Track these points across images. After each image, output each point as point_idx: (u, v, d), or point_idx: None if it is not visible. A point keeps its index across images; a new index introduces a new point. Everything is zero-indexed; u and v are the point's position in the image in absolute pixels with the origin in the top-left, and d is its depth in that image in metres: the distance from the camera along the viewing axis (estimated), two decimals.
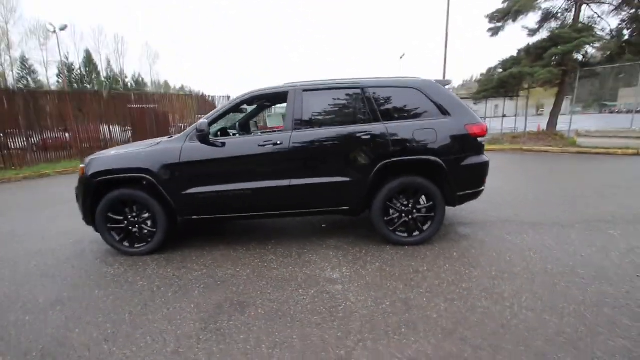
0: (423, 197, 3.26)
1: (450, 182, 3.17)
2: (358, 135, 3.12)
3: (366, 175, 3.14)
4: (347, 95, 3.26)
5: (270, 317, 2.19)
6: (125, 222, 3.31)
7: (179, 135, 3.33)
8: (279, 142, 3.13)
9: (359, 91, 3.23)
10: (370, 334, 1.97)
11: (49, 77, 46.31)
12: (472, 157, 3.21)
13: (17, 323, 2.28)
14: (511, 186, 5.79)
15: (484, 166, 3.27)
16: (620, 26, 14.39)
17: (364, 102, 3.21)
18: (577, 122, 13.62)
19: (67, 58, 48.12)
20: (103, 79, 51.70)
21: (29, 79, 44.99)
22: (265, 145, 3.13)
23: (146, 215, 3.32)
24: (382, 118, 3.17)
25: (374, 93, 3.22)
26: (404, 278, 2.64)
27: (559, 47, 11.63)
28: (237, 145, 3.21)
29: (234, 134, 3.98)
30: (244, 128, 4.37)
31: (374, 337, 1.95)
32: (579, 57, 13.83)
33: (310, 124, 3.23)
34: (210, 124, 3.23)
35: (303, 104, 3.22)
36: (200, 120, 3.09)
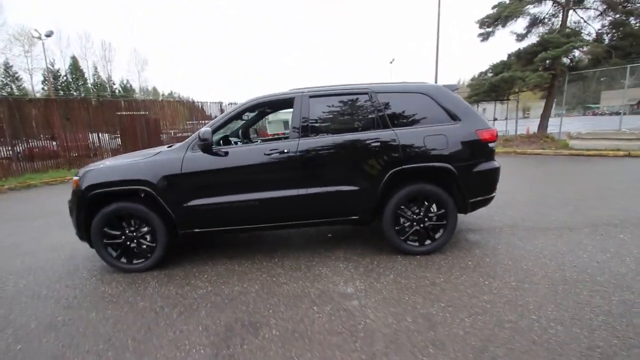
0: (434, 204, 3.17)
1: (462, 189, 3.09)
2: (367, 142, 3.02)
3: (376, 183, 3.04)
4: (355, 101, 3.17)
5: (286, 339, 2.05)
6: (123, 237, 3.13)
7: (179, 144, 3.17)
8: (285, 151, 3.00)
9: (366, 97, 3.14)
10: (396, 356, 1.85)
11: (34, 85, 45.24)
12: (483, 163, 3.14)
13: (8, 352, 2.08)
14: (511, 190, 5.77)
15: (495, 172, 3.20)
16: (600, 30, 14.81)
17: (372, 108, 3.12)
18: (564, 124, 13.84)
19: (52, 65, 47.09)
20: (90, 85, 50.75)
21: (13, 86, 43.83)
22: (272, 153, 3.01)
23: (145, 229, 3.14)
24: (392, 124, 3.08)
25: (383, 98, 3.13)
26: (422, 291, 2.53)
27: (549, 52, 11.83)
28: (242, 154, 3.07)
29: (235, 142, 3.85)
30: (246, 136, 4.23)
31: (402, 359, 1.83)
32: (567, 61, 14.15)
33: (318, 131, 3.12)
34: (214, 132, 3.09)
35: (310, 110, 3.11)
36: (203, 129, 2.95)
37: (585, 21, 15.11)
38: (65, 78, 49.65)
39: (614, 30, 14.39)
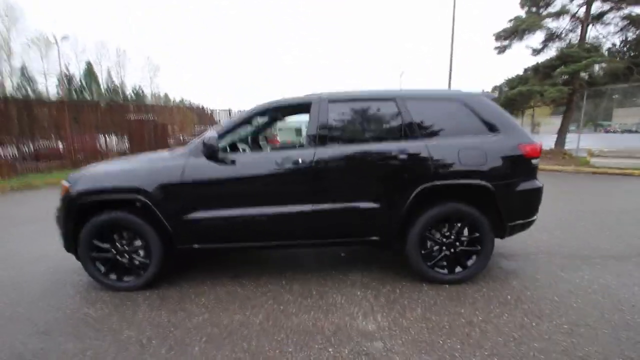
0: (467, 227, 2.77)
1: (501, 211, 2.69)
2: (394, 153, 2.66)
3: (402, 200, 2.66)
4: (380, 107, 2.82)
5: None
6: (113, 251, 2.78)
7: (181, 149, 2.85)
8: (300, 161, 2.65)
9: (393, 103, 2.79)
10: None
11: (49, 87, 46.16)
12: (526, 181, 2.75)
13: None
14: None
15: (539, 192, 2.81)
16: (620, 47, 14.40)
17: (400, 115, 2.77)
18: (574, 141, 13.29)
19: (67, 69, 48.10)
20: (103, 90, 51.62)
21: (28, 88, 44.74)
22: (284, 164, 2.66)
23: (138, 243, 2.80)
24: (422, 135, 2.72)
25: (412, 106, 2.77)
26: (458, 333, 2.12)
27: (569, 66, 11.45)
28: (251, 163, 2.73)
29: (243, 150, 3.52)
30: (255, 143, 3.90)
31: None
32: (585, 76, 13.74)
33: (337, 140, 2.77)
34: (220, 137, 2.76)
35: (328, 116, 2.77)
36: (209, 133, 2.62)
37: (604, 37, 14.76)
38: (79, 82, 50.65)
39: (635, 46, 14.00)
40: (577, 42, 14.60)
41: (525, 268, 3.11)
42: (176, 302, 2.62)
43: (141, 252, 2.81)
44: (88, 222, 2.71)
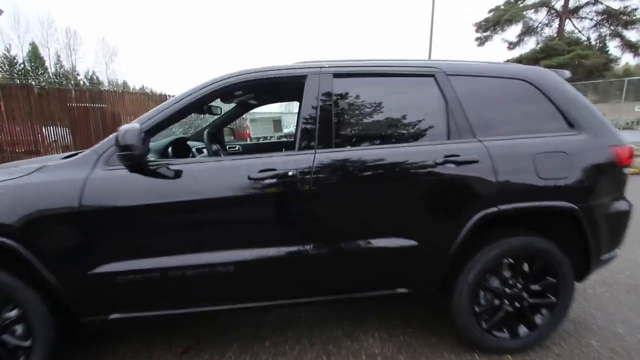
0: (539, 269, 1.87)
1: (589, 244, 1.82)
2: (437, 161, 1.68)
3: (450, 234, 1.70)
4: (412, 87, 1.82)
5: None
6: None
7: (81, 153, 1.69)
8: (290, 173, 1.60)
9: (432, 81, 1.80)
10: None
11: None
12: (617, 200, 1.89)
13: None
14: None
15: (629, 214, 1.96)
16: (591, 42, 14.54)
17: (444, 101, 1.78)
18: None
19: (8, 51, 42.81)
20: (51, 75, 46.63)
21: None
22: (264, 178, 1.59)
23: (12, 314, 1.63)
24: (479, 132, 1.76)
25: (461, 86, 1.80)
26: None
27: (553, 59, 11.15)
28: (207, 176, 1.63)
29: (197, 152, 2.38)
30: (215, 140, 2.73)
31: None
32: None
33: (348, 139, 1.74)
34: (151, 132, 1.64)
35: (335, 100, 1.73)
36: (127, 126, 1.48)
37: (579, 31, 14.82)
38: (22, 66, 45.29)
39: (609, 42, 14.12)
40: (552, 36, 14.56)
41: (614, 322, 2.26)
42: None
43: (18, 330, 1.65)
44: None
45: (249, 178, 1.58)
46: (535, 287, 1.88)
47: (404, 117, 1.80)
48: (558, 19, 15.06)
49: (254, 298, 1.74)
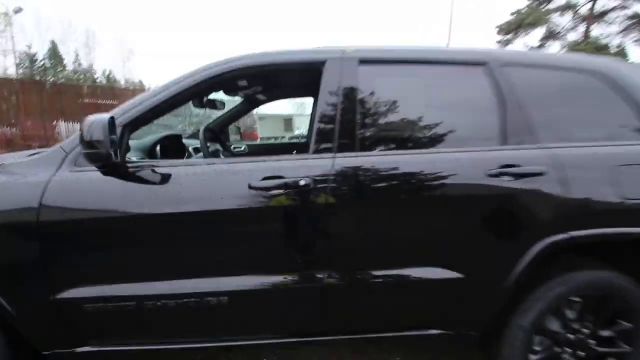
0: (611, 311, 1.48)
1: None
2: (490, 172, 1.31)
3: (505, 266, 1.34)
4: (458, 78, 1.47)
5: None
6: None
7: (49, 149, 1.38)
8: (301, 182, 1.25)
9: (483, 72, 1.44)
10: None
11: (8, 67, 41.85)
12: None
13: None
14: None
15: None
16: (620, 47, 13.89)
17: (496, 95, 1.42)
18: None
19: (29, 48, 43.97)
20: (70, 73, 47.67)
21: None
22: (269, 187, 1.26)
23: None
24: (541, 135, 1.39)
25: (520, 79, 1.44)
26: None
27: None
28: (197, 182, 1.29)
29: (196, 151, 2.07)
30: (216, 139, 2.37)
31: None
32: None
33: (375, 140, 1.40)
34: (131, 126, 1.33)
35: (359, 92, 1.39)
36: (94, 116, 1.16)
37: (606, 37, 14.16)
38: (43, 63, 46.44)
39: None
40: (578, 41, 13.96)
41: None
42: None
43: None
44: None
45: (250, 187, 1.24)
46: (605, 333, 1.48)
47: (445, 115, 1.44)
48: (583, 23, 14.47)
49: (252, 334, 1.40)
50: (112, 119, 1.18)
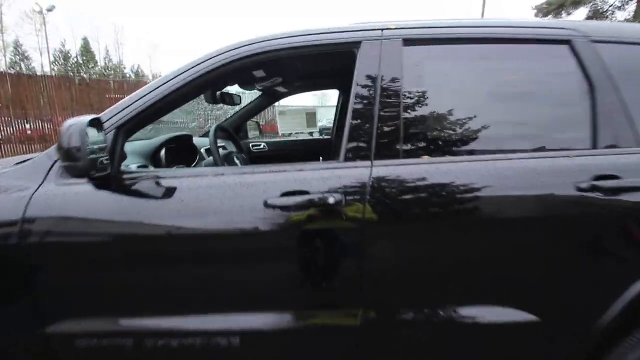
0: None
1: None
2: (580, 184, 0.99)
3: (596, 308, 1.02)
4: (532, 61, 1.14)
5: None
6: None
7: (34, 158, 1.18)
8: (331, 200, 0.98)
9: (567, 50, 1.10)
10: None
11: (44, 65, 44.04)
12: None
13: None
14: None
15: None
16: None
17: (585, 81, 1.08)
18: None
19: (63, 45, 46.03)
20: (100, 68, 49.59)
21: (22, 65, 42.77)
22: (289, 206, 1.00)
23: None
24: None
25: (616, 59, 1.09)
26: None
27: None
28: (205, 198, 1.03)
29: (208, 153, 1.84)
30: (232, 139, 2.04)
31: None
32: None
33: (425, 143, 1.10)
34: (126, 129, 1.10)
35: (404, 80, 1.09)
36: (73, 120, 0.94)
37: None
38: (75, 59, 48.53)
39: None
40: (629, 19, 12.68)
41: None
42: None
43: None
44: None
45: (266, 205, 0.99)
46: None
47: (518, 109, 1.12)
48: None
49: None
50: (96, 120, 0.96)
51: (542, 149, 1.06)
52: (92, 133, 0.94)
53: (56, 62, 40.21)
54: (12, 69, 40.40)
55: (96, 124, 0.98)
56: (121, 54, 51.82)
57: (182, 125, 10.13)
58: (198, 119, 10.06)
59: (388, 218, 1.02)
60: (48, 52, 36.47)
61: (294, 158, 1.26)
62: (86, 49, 48.30)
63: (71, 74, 45.91)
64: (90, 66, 49.05)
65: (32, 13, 40.75)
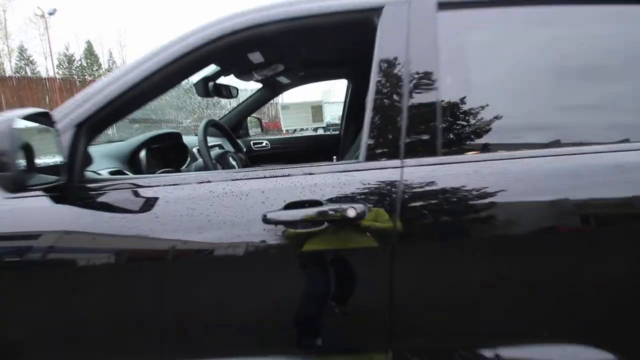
0: None
1: None
2: None
3: None
4: (615, 25, 0.87)
5: None
6: None
7: None
8: (350, 214, 0.75)
9: None
10: None
11: (48, 69, 44.38)
12: None
13: None
14: None
15: None
16: None
17: None
18: None
19: (67, 49, 46.27)
20: (104, 70, 49.87)
21: (27, 69, 43.14)
22: (296, 221, 0.76)
23: None
24: None
25: None
26: None
27: None
28: (185, 212, 0.80)
29: (195, 159, 1.61)
30: (228, 137, 1.81)
31: None
32: None
33: (471, 135, 0.85)
34: (89, 126, 0.87)
35: (440, 56, 0.84)
36: (4, 115, 0.72)
37: None
38: (79, 62, 48.81)
39: None
40: None
41: None
42: None
43: None
44: None
45: (266, 220, 0.75)
46: None
47: (598, 90, 0.86)
48: None
49: None
50: (42, 115, 0.73)
51: (628, 139, 0.81)
52: (32, 132, 0.72)
53: (61, 66, 40.34)
54: (17, 73, 40.90)
55: (42, 120, 0.75)
56: (124, 55, 52.03)
57: (181, 126, 9.91)
58: (191, 116, 9.83)
59: (426, 234, 0.78)
60: (51, 55, 36.58)
61: (300, 157, 1.02)
62: (90, 52, 48.55)
63: (75, 77, 46.23)
64: (94, 69, 49.33)
65: (36, 18, 41.12)
